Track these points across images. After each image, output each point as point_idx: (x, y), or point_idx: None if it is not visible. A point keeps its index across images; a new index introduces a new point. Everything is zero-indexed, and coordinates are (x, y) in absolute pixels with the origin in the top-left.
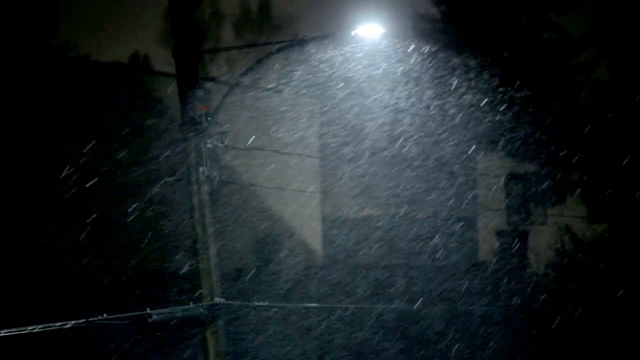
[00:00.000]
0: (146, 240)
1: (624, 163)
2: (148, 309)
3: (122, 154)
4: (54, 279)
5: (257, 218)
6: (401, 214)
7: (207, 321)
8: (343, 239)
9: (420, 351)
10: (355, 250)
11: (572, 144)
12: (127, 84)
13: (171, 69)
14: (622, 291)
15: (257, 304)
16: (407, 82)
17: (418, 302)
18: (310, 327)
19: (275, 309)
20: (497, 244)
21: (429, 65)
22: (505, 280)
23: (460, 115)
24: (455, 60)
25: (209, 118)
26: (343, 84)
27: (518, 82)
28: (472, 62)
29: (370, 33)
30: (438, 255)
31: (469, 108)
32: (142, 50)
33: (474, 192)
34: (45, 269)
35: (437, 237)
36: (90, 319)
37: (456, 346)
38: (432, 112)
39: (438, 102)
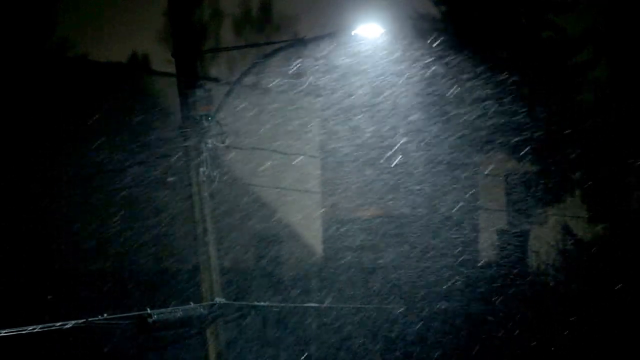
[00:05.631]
0: (146, 240)
1: (624, 163)
2: (148, 309)
3: (122, 154)
4: (54, 279)
5: (257, 218)
6: (401, 214)
7: (207, 321)
8: (344, 239)
9: (420, 352)
10: (356, 250)
11: (571, 143)
12: (126, 84)
13: (171, 69)
14: (621, 291)
15: (257, 303)
16: (407, 82)
17: (417, 303)
18: (310, 327)
19: (275, 309)
20: (496, 244)
21: (429, 65)
22: (504, 280)
23: (460, 114)
24: (455, 60)
25: (209, 118)
26: (343, 83)
27: (517, 82)
28: (472, 62)
29: (370, 33)
30: (437, 255)
31: (468, 107)
32: (141, 49)
33: (474, 191)
34: (46, 269)
35: (436, 237)
36: (90, 319)
37: (453, 347)
38: (432, 112)
39: (438, 102)
